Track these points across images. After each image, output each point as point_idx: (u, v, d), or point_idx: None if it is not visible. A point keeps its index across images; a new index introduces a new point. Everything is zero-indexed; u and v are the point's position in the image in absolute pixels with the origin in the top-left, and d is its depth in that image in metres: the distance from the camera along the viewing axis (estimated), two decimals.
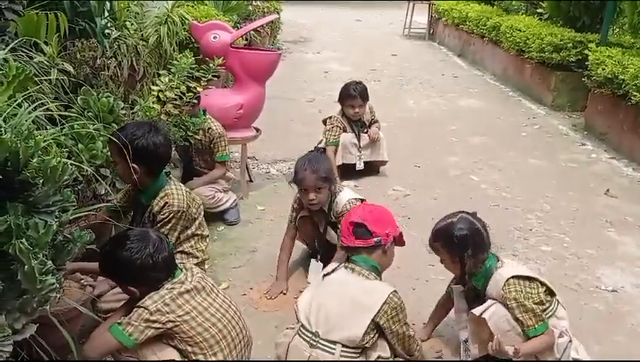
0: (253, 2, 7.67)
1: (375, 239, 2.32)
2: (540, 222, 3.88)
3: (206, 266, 2.79)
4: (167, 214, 2.50)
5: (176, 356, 2.12)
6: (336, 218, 3.02)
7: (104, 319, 2.35)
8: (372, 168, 4.55)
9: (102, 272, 2.22)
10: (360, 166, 4.42)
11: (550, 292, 2.39)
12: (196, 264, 2.58)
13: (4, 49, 2.50)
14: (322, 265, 3.06)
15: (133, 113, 3.27)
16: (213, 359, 2.13)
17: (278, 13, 8.38)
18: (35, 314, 1.78)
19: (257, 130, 4.20)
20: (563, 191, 4.41)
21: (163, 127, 2.67)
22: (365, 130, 4.46)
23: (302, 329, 2.25)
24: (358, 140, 4.40)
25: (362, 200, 3.14)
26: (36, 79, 2.47)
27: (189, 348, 2.11)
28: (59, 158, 1.74)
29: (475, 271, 2.39)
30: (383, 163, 4.58)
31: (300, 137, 5.39)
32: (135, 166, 2.44)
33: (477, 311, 2.32)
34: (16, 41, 2.54)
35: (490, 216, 3.80)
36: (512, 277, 2.30)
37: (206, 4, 6.06)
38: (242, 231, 3.67)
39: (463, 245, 2.33)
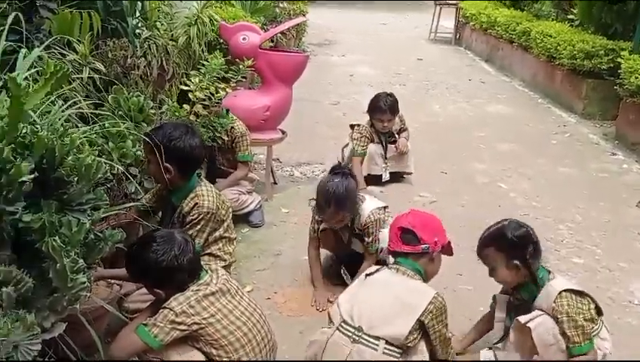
0: (280, 4, 7.67)
1: (423, 246, 2.30)
2: (571, 233, 3.80)
3: (231, 269, 2.77)
4: (196, 215, 2.49)
5: (201, 358, 2.11)
6: (360, 229, 2.97)
7: (130, 319, 2.35)
8: (397, 174, 4.49)
9: (128, 273, 2.21)
10: (386, 177, 4.36)
11: (598, 311, 2.33)
12: (223, 267, 2.56)
13: (38, 46, 2.52)
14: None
15: (161, 113, 3.27)
16: None
17: (304, 16, 8.36)
18: (65, 312, 1.78)
19: (283, 132, 4.18)
20: (594, 201, 4.31)
21: (198, 130, 2.67)
22: (393, 140, 4.39)
23: (343, 324, 2.21)
24: (385, 151, 4.35)
25: (385, 208, 3.10)
26: None
27: (214, 351, 2.09)
28: (93, 157, 1.73)
29: (526, 281, 2.33)
30: (409, 173, 4.52)
31: (325, 140, 5.36)
32: (169, 166, 2.43)
33: (523, 318, 2.27)
34: (50, 39, 2.55)
35: None
36: (565, 290, 2.25)
37: (234, 5, 6.08)
38: (266, 233, 3.65)
39: (522, 245, 2.28)
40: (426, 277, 2.35)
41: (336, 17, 13.16)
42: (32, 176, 1.51)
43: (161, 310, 2.06)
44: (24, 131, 1.59)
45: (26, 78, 2.15)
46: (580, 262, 3.46)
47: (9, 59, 2.48)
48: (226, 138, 3.45)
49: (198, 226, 2.51)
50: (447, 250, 2.44)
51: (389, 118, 4.26)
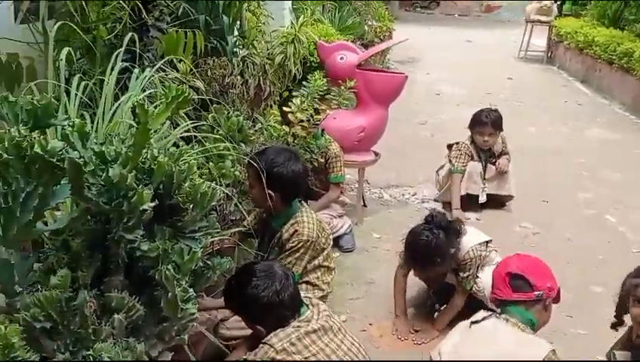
0: (368, 22, 7.60)
1: (536, 293, 2.12)
2: None
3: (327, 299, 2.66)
4: (296, 243, 2.42)
5: None
6: (457, 265, 2.79)
7: (226, 345, 2.29)
8: (496, 200, 4.26)
9: (226, 307, 2.15)
10: (482, 199, 4.14)
11: None
12: (320, 297, 2.46)
13: (149, 65, 2.55)
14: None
15: (256, 132, 3.24)
16: None
17: (390, 33, 8.25)
18: (172, 342, 1.73)
19: (377, 153, 4.07)
20: None
21: (301, 155, 2.60)
22: (493, 161, 4.17)
23: None
24: (484, 171, 4.13)
25: (487, 243, 2.89)
26: None
27: None
28: (208, 183, 1.68)
29: None
30: (509, 198, 4.27)
31: (414, 161, 5.20)
32: (271, 193, 2.37)
33: None
34: (163, 60, 2.56)
35: (634, 266, 3.44)
36: None
37: (324, 22, 6.07)
38: (358, 259, 3.53)
39: None
40: (536, 327, 2.16)
41: (419, 34, 12.89)
42: (153, 203, 1.46)
43: (261, 345, 1.97)
44: (145, 156, 1.55)
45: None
46: None
47: (120, 78, 2.52)
48: (321, 159, 3.37)
49: (297, 254, 2.42)
50: (557, 297, 2.25)
51: (491, 132, 4.05)
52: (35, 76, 2.39)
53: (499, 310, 2.20)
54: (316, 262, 2.51)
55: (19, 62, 2.76)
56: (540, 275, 2.18)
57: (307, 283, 2.52)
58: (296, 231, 2.43)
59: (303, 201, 2.58)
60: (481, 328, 2.13)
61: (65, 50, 2.19)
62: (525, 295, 2.13)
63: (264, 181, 2.30)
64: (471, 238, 2.82)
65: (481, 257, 2.80)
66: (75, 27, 2.34)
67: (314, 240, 2.45)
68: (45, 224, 1.66)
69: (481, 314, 2.21)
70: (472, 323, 2.17)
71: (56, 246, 1.62)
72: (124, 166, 1.43)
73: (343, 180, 3.62)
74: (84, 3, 2.44)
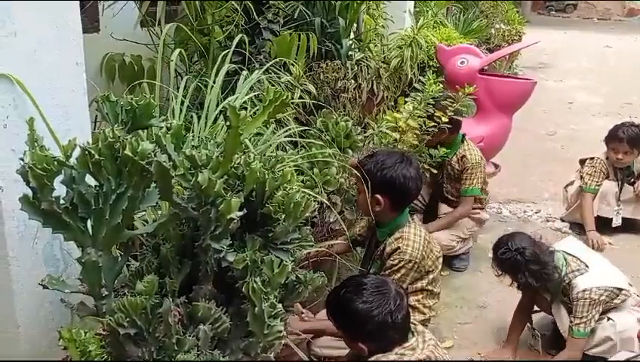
0: (495, 25, 7.18)
1: None
2: None
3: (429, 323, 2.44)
4: (397, 261, 2.20)
5: None
6: (572, 302, 2.44)
7: None
8: (633, 224, 3.77)
9: (330, 318, 2.00)
10: (617, 222, 3.68)
11: None
12: (420, 321, 2.25)
13: (258, 68, 2.51)
14: None
15: (366, 137, 3.10)
16: None
17: (519, 37, 7.74)
18: (258, 358, 1.64)
19: (496, 166, 3.76)
20: None
21: (416, 160, 2.40)
22: (632, 181, 3.70)
23: None
24: (620, 191, 3.67)
25: (619, 290, 2.42)
26: None
27: None
28: (302, 193, 1.57)
29: None
30: None
31: (539, 175, 4.80)
32: (379, 197, 2.21)
33: None
34: (271, 62, 2.52)
35: None
36: None
37: (446, 26, 5.80)
38: (470, 279, 3.26)
39: None
40: None
41: (552, 38, 12.07)
42: (241, 213, 1.37)
43: None
44: (237, 161, 1.48)
45: (245, 102, 2.12)
46: None
47: (230, 80, 2.51)
48: (456, 166, 3.18)
49: (399, 274, 2.19)
50: None
51: (626, 150, 3.60)
52: (156, 78, 2.45)
53: None
54: (419, 284, 2.28)
55: (141, 63, 2.87)
56: None
57: None
58: (399, 248, 2.21)
59: (414, 215, 2.36)
60: None
61: (176, 52, 2.20)
62: None
63: (370, 185, 2.14)
64: (590, 280, 2.42)
65: (598, 302, 2.39)
66: (187, 30, 2.35)
67: (417, 262, 2.21)
68: (144, 223, 1.65)
69: (624, 354, 1.90)
70: None
71: (149, 249, 1.60)
72: (214, 171, 1.35)
73: (477, 194, 3.27)
74: (198, 6, 2.46)
